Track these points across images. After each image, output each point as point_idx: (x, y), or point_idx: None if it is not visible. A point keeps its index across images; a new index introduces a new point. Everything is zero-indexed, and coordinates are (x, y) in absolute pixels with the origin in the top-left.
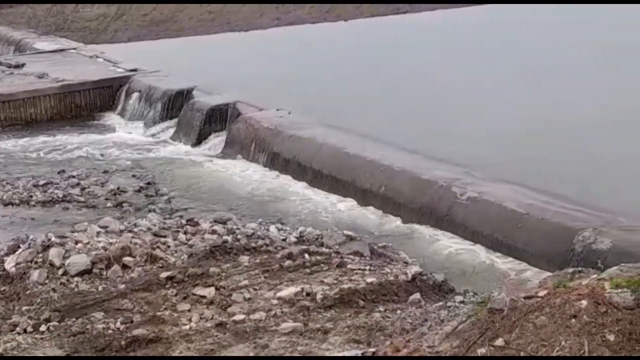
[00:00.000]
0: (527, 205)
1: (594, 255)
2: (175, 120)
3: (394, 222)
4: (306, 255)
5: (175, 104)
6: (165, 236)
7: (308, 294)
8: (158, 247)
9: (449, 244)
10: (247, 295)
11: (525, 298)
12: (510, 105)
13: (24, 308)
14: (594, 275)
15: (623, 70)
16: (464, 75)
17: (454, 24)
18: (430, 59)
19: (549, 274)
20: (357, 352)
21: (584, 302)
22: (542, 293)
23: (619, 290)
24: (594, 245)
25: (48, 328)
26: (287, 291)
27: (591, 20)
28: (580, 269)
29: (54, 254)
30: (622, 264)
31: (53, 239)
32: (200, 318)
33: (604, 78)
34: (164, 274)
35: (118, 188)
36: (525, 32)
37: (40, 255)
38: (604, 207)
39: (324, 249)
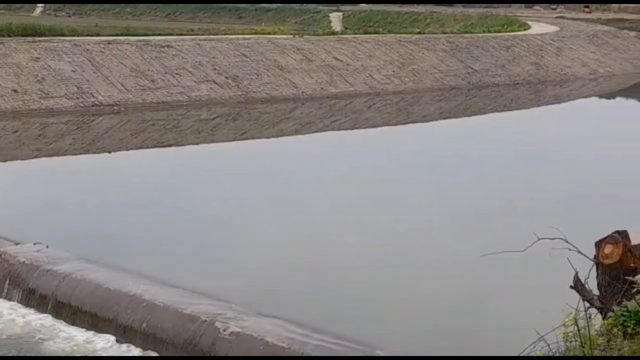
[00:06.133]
0: (288, 339)
1: None
2: None
3: None
4: None
5: None
6: None
7: None
8: None
9: None
10: None
11: None
12: (274, 238)
13: None
14: None
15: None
16: (228, 206)
17: (223, 153)
18: (201, 191)
19: None
20: None
21: None
22: None
23: None
24: None
25: None
26: None
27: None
28: None
29: None
30: None
31: None
32: None
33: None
34: None
35: None
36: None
37: None
38: (364, 340)
39: None
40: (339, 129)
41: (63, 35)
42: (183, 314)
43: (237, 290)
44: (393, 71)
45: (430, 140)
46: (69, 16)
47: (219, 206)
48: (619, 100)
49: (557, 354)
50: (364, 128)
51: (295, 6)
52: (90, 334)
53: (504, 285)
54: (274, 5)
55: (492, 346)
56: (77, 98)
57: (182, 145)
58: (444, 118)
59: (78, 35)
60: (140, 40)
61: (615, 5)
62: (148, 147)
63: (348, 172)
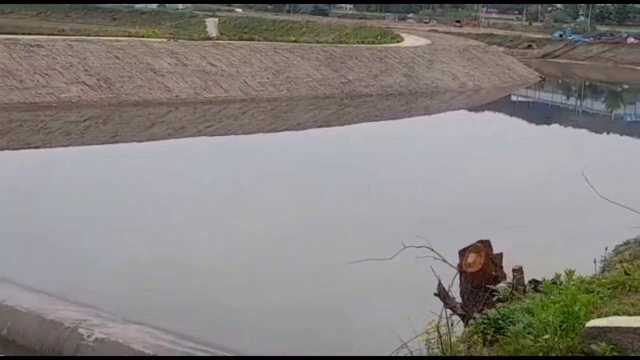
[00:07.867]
0: (155, 346)
1: None
2: None
3: None
4: None
5: None
6: None
7: None
8: None
9: None
10: None
11: None
12: (144, 243)
13: None
14: None
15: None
16: (97, 210)
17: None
18: (68, 193)
19: None
20: None
21: None
22: None
23: None
24: None
25: None
26: None
27: None
28: None
29: None
30: None
31: None
32: None
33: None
34: None
35: None
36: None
37: None
38: (233, 347)
39: None
40: (213, 135)
41: None
42: (46, 320)
43: (103, 296)
44: (268, 78)
45: (303, 148)
46: None
47: (88, 210)
48: (487, 113)
49: None
50: (238, 134)
51: (171, 10)
52: None
53: (369, 293)
54: (148, 8)
55: (355, 354)
56: None
57: (51, 147)
58: (318, 126)
59: None
60: (8, 39)
61: (485, 21)
62: (14, 149)
63: (219, 178)
